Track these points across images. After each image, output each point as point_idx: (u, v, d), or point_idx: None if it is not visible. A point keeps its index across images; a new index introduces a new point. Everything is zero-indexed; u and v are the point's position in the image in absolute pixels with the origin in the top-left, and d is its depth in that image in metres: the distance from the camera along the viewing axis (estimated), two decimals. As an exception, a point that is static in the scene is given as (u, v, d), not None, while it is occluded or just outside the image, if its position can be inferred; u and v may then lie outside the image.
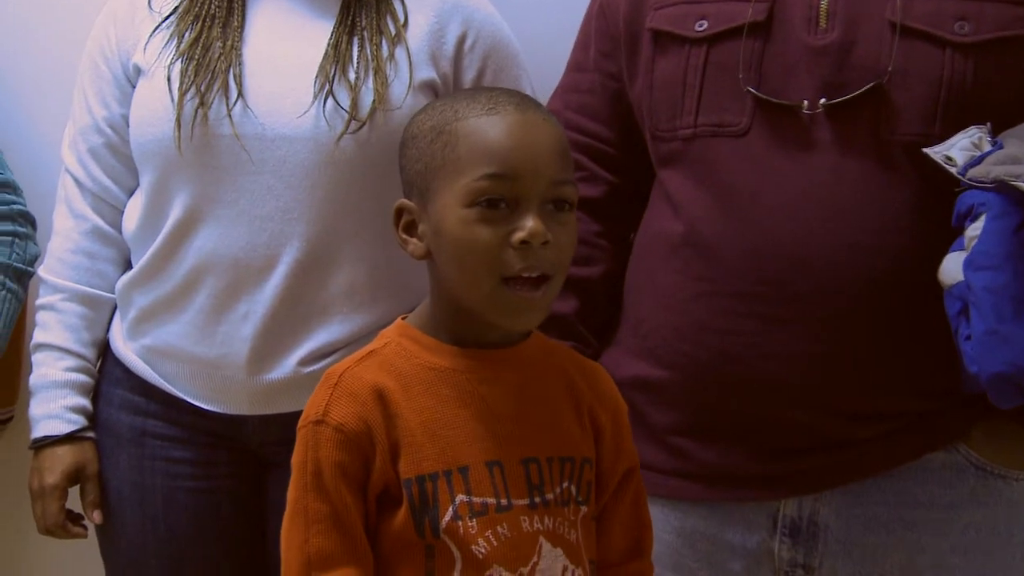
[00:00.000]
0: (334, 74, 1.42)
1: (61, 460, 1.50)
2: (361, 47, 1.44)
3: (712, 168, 1.29)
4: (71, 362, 1.53)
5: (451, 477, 1.09)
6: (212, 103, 1.42)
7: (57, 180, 1.58)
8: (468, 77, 1.49)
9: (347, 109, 1.41)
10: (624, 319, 1.40)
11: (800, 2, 1.26)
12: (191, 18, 1.48)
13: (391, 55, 1.44)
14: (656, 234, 1.36)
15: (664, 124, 1.33)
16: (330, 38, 1.45)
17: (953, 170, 1.17)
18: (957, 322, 1.17)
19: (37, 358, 1.54)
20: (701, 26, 1.30)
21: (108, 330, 1.56)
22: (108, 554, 1.57)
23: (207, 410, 1.48)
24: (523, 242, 1.07)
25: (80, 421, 1.52)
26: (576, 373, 1.20)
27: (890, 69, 1.21)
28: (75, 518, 1.54)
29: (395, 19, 1.47)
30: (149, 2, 1.52)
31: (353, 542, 1.08)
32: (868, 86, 1.21)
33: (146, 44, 1.49)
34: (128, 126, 1.51)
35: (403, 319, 1.18)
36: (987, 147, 1.18)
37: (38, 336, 1.55)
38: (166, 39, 1.48)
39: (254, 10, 1.49)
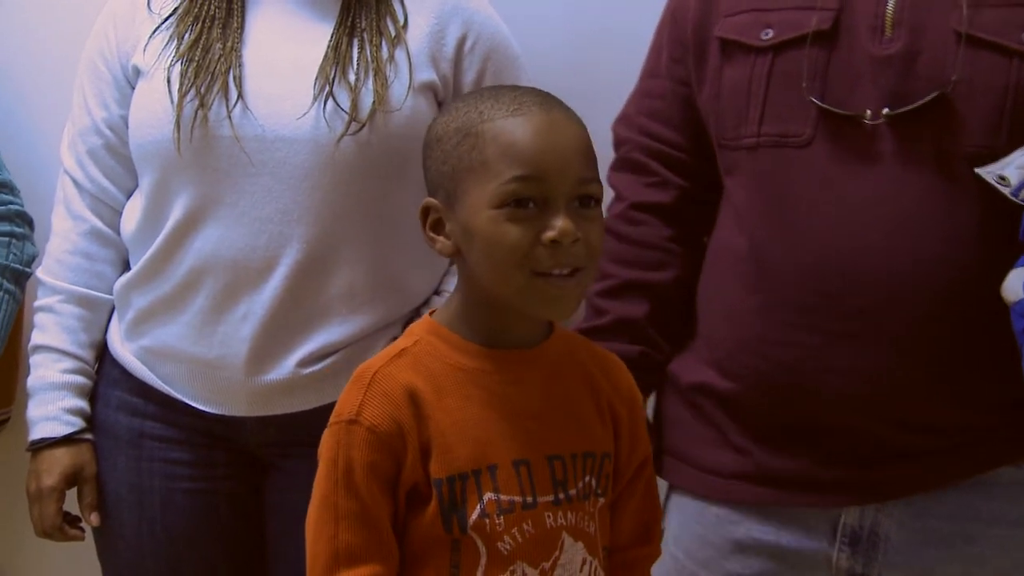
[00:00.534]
0: (334, 76, 1.42)
1: (59, 462, 1.50)
2: (361, 48, 1.44)
3: (774, 179, 1.28)
4: (69, 364, 1.53)
5: (480, 476, 1.12)
6: (212, 105, 1.42)
7: (55, 181, 1.58)
8: (468, 79, 1.49)
9: (347, 110, 1.41)
10: (697, 326, 1.39)
11: (866, 11, 1.25)
12: (191, 19, 1.48)
13: (391, 56, 1.44)
14: (722, 244, 1.36)
15: (729, 133, 1.33)
16: (330, 40, 1.45)
17: (1006, 190, 1.15)
18: (1022, 339, 1.14)
19: (35, 360, 1.54)
20: (767, 35, 1.29)
21: (106, 331, 1.56)
22: (106, 556, 1.57)
23: (205, 411, 1.48)
24: (553, 241, 1.09)
25: (78, 423, 1.52)
26: (595, 367, 1.23)
27: (954, 79, 1.19)
28: (72, 520, 1.53)
29: (395, 21, 1.47)
30: (149, 3, 1.52)
31: (380, 538, 1.11)
32: (931, 96, 1.19)
33: (146, 45, 1.49)
34: (127, 127, 1.50)
35: (431, 315, 1.20)
36: None
37: (36, 338, 1.55)
38: (166, 40, 1.48)
39: (254, 12, 1.49)
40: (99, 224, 1.54)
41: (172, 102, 1.43)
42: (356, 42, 1.45)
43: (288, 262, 1.42)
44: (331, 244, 1.43)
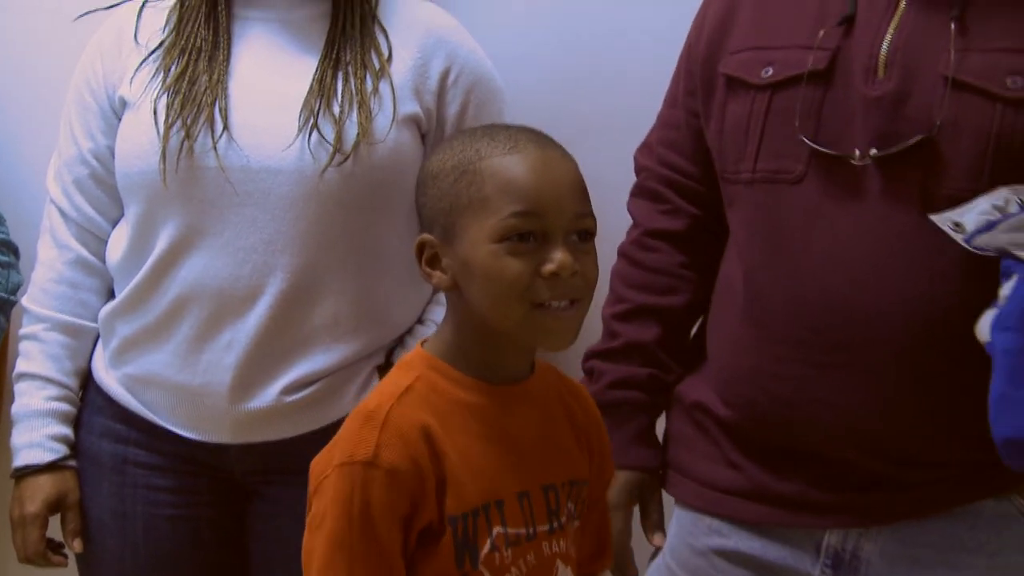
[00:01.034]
0: (319, 108, 1.44)
1: (42, 489, 1.50)
2: (346, 81, 1.46)
3: (767, 214, 1.30)
4: (53, 391, 1.53)
5: (489, 511, 1.14)
6: (198, 136, 1.43)
7: (41, 210, 1.59)
8: (451, 111, 1.51)
9: (331, 142, 1.42)
10: (706, 350, 1.42)
11: (862, 52, 1.26)
12: (177, 52, 1.49)
13: (375, 89, 1.46)
14: (725, 274, 1.38)
15: (730, 167, 1.35)
16: (315, 72, 1.46)
17: (959, 237, 1.16)
18: (993, 378, 1.15)
19: (19, 387, 1.54)
20: (767, 73, 1.31)
21: (91, 359, 1.56)
22: (89, 583, 1.57)
23: (189, 438, 1.48)
24: (553, 274, 1.11)
25: (62, 450, 1.52)
26: (570, 397, 1.26)
27: (938, 123, 1.20)
28: (56, 547, 1.53)
29: (379, 54, 1.49)
30: (136, 35, 1.53)
31: None
32: (915, 139, 1.20)
33: (132, 77, 1.50)
34: (113, 157, 1.51)
35: (422, 346, 1.21)
36: (1013, 209, 1.16)
37: (20, 365, 1.55)
38: (152, 72, 1.49)
39: (240, 44, 1.50)
40: (84, 253, 1.55)
41: (158, 133, 1.44)
42: (341, 75, 1.46)
43: (272, 291, 1.43)
44: (315, 274, 1.44)
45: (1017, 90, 1.20)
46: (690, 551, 1.39)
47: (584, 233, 1.15)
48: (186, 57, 1.48)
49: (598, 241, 1.18)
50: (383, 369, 1.52)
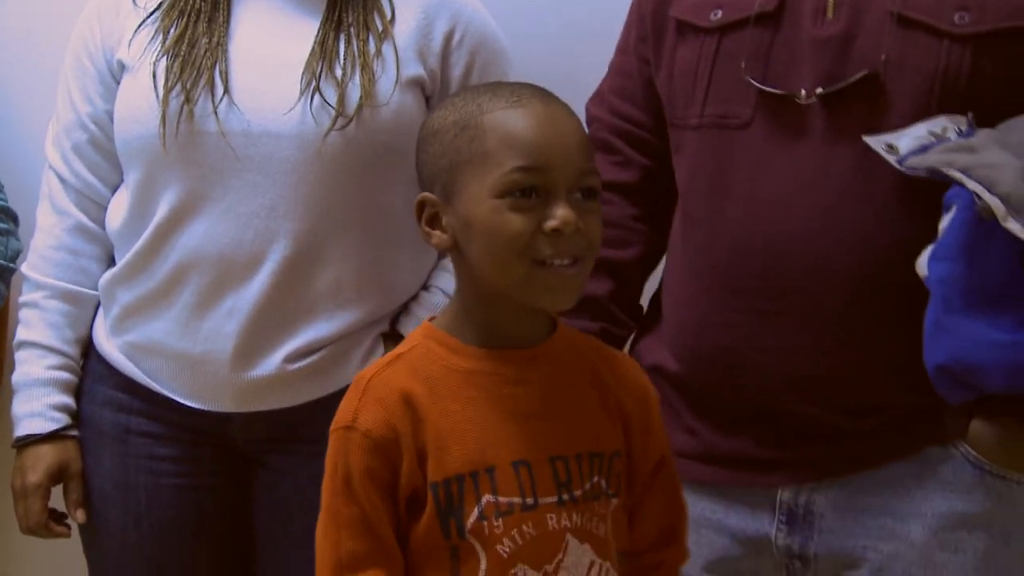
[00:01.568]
0: (320, 70, 1.42)
1: (44, 459, 1.49)
2: (348, 43, 1.44)
3: (712, 160, 1.29)
4: (54, 360, 1.52)
5: (477, 478, 1.11)
6: (198, 100, 1.41)
7: (40, 176, 1.57)
8: (456, 73, 1.49)
9: (333, 105, 1.40)
10: (662, 307, 1.41)
11: None
12: (176, 14, 1.47)
13: (378, 51, 1.44)
14: (674, 227, 1.37)
15: (679, 112, 1.34)
16: (317, 34, 1.44)
17: (892, 159, 1.15)
18: (929, 309, 1.16)
19: (20, 356, 1.53)
20: (715, 15, 1.30)
21: (92, 327, 1.55)
22: (92, 553, 1.56)
23: (191, 407, 1.47)
24: (555, 230, 1.09)
25: (63, 419, 1.51)
26: (602, 365, 1.21)
27: (883, 58, 1.20)
28: (58, 517, 1.53)
29: (382, 15, 1.46)
30: (133, -3, 1.51)
31: (382, 544, 1.11)
32: (859, 75, 1.20)
33: (131, 40, 1.48)
34: (112, 122, 1.50)
35: (430, 321, 1.19)
36: (951, 136, 1.16)
37: (21, 334, 1.54)
38: (151, 35, 1.47)
39: (239, 6, 1.48)
40: (84, 220, 1.53)
41: (157, 97, 1.42)
42: (343, 37, 1.44)
43: (275, 258, 1.42)
44: (318, 240, 1.43)
45: (964, 26, 1.19)
46: None
47: (588, 190, 1.13)
48: (185, 19, 1.46)
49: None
50: (387, 337, 1.50)
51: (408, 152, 1.44)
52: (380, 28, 1.46)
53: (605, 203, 1.39)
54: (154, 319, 1.47)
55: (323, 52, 1.43)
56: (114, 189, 1.53)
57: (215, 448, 1.50)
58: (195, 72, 1.42)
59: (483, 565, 1.11)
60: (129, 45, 1.48)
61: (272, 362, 1.44)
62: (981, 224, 1.10)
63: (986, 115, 1.19)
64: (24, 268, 1.56)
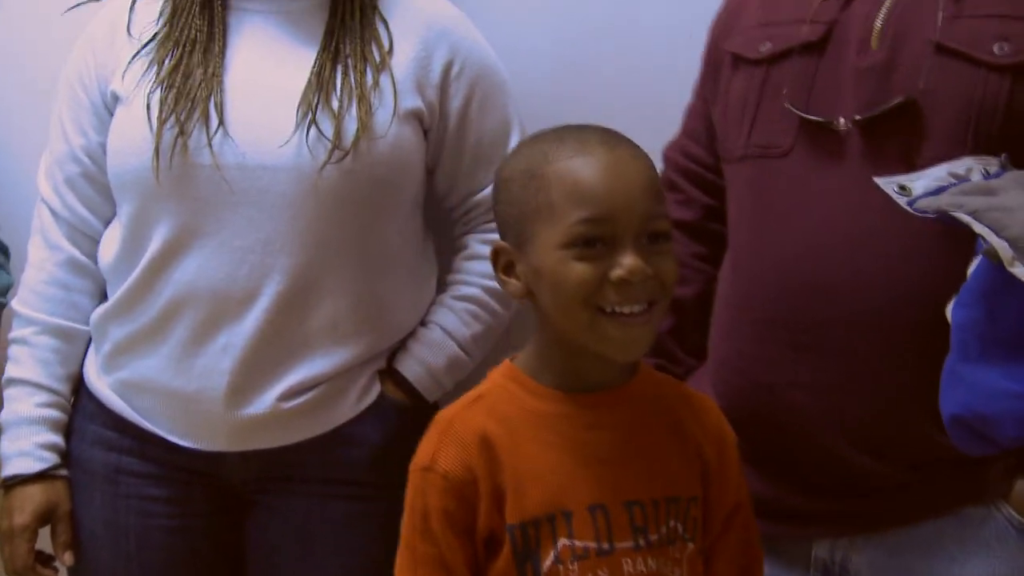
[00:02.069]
0: (317, 102, 1.40)
1: (32, 499, 1.46)
2: (345, 75, 1.42)
3: (755, 191, 1.29)
4: (44, 397, 1.49)
5: (554, 522, 1.13)
6: (192, 132, 1.40)
7: (32, 209, 1.56)
8: (455, 105, 1.48)
9: (330, 138, 1.38)
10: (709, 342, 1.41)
11: (857, 23, 1.25)
12: (171, 44, 1.46)
13: (376, 83, 1.42)
14: (724, 262, 1.37)
15: (728, 146, 1.34)
16: (313, 65, 1.43)
17: (902, 200, 1.14)
18: (947, 362, 1.13)
19: (9, 393, 1.51)
20: (764, 47, 1.31)
21: (83, 364, 1.53)
22: (81, 597, 1.53)
23: (184, 446, 1.45)
24: (622, 280, 1.10)
25: (52, 459, 1.48)
26: (683, 408, 1.22)
27: (921, 86, 1.19)
28: (45, 559, 1.50)
29: (380, 46, 1.45)
30: (128, 27, 1.49)
31: None
32: (896, 101, 1.19)
33: (125, 71, 1.47)
34: (105, 155, 1.48)
35: (511, 360, 1.21)
36: (976, 177, 1.14)
37: (10, 371, 1.51)
38: (145, 66, 1.45)
39: (235, 36, 1.46)
40: (76, 254, 1.51)
41: (151, 129, 1.41)
42: (340, 68, 1.43)
43: (270, 293, 1.40)
44: (314, 275, 1.41)
45: (1004, 56, 1.18)
46: None
47: (656, 235, 1.13)
48: (180, 49, 1.45)
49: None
50: (384, 374, 1.48)
51: (405, 186, 1.46)
52: (378, 59, 1.44)
53: None
54: (147, 356, 1.45)
55: (320, 83, 1.41)
56: (107, 223, 1.51)
57: (208, 488, 1.47)
58: (190, 104, 1.41)
59: None
60: (123, 76, 1.47)
61: (267, 400, 1.42)
62: (1001, 271, 1.07)
63: (1023, 154, 1.17)
64: (14, 304, 1.54)
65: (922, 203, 1.13)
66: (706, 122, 1.42)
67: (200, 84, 1.42)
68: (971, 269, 1.13)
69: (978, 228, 1.07)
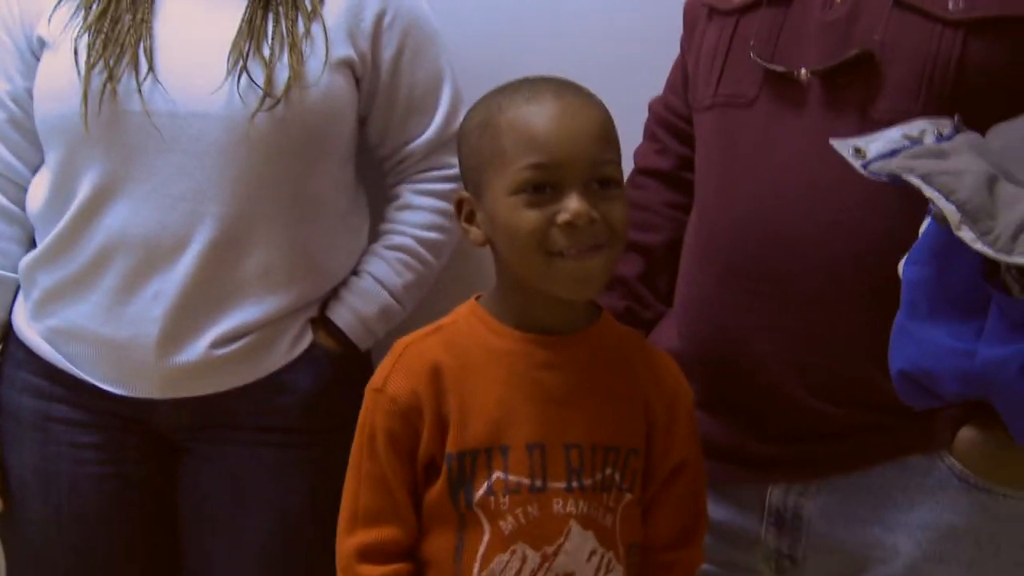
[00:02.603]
0: (248, 50, 1.39)
1: (-40, 447, 1.46)
2: (276, 23, 1.41)
3: (721, 140, 1.31)
4: (-29, 345, 1.48)
5: (491, 455, 1.16)
6: (121, 78, 1.39)
7: (-42, 156, 1.53)
8: (387, 55, 1.47)
9: (261, 86, 1.38)
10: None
11: None
12: (98, -11, 1.44)
13: (307, 31, 1.42)
14: (692, 210, 1.39)
15: (698, 95, 1.36)
16: (244, 13, 1.42)
17: (857, 163, 1.15)
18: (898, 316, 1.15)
19: (-65, 341, 1.49)
20: None
21: (11, 311, 1.51)
22: (10, 543, 1.53)
23: (115, 393, 1.45)
24: (568, 223, 1.13)
25: (-20, 407, 1.47)
26: (639, 362, 1.25)
27: (877, 38, 1.21)
28: (-25, 506, 1.49)
29: (312, -6, 1.44)
30: (54, -30, 1.47)
31: (396, 504, 1.18)
32: (853, 53, 1.21)
33: (51, 15, 1.45)
34: (32, 100, 1.46)
35: (477, 299, 1.24)
36: (929, 139, 1.15)
37: (-64, 318, 1.50)
38: (72, 10, 1.44)
39: (165, -18, 1.45)
40: (3, 201, 1.49)
41: (79, 75, 1.39)
42: (271, 16, 1.42)
43: (201, 240, 1.40)
44: (246, 223, 1.41)
45: (957, 12, 1.20)
46: None
47: (605, 180, 1.16)
48: (108, -6, 1.43)
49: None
50: (316, 322, 1.49)
51: (337, 134, 1.45)
52: (309, 8, 1.43)
53: (640, 188, 1.46)
54: (77, 303, 1.44)
55: (251, 31, 1.40)
56: (35, 170, 1.49)
57: (140, 436, 1.48)
58: (118, 49, 1.40)
59: (486, 537, 1.16)
60: (49, 20, 1.45)
61: (198, 347, 1.42)
62: (949, 233, 1.08)
63: (977, 111, 1.18)
64: (-60, 251, 1.52)
65: (875, 166, 1.14)
66: (684, 74, 1.44)
67: (129, 30, 1.40)
68: (922, 229, 1.15)
69: (928, 192, 1.09)
